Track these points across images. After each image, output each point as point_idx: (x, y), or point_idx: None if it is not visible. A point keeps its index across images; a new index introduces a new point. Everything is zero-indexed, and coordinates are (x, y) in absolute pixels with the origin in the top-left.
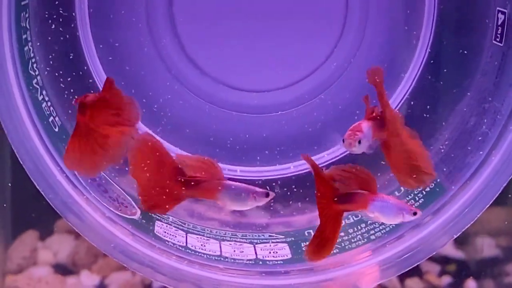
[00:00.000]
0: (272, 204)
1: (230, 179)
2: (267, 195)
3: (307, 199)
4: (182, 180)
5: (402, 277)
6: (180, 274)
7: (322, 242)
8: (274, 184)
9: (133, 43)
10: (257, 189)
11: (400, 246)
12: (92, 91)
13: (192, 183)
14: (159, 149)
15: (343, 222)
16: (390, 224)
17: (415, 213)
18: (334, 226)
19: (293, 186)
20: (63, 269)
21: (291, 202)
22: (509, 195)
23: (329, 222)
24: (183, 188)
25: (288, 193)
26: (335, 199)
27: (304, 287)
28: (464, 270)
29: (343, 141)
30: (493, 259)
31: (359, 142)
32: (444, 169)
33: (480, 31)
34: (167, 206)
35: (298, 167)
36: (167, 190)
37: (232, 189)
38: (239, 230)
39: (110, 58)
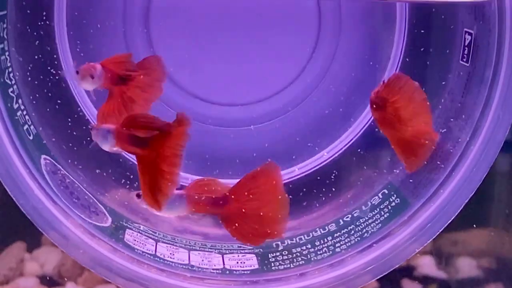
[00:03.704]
0: None
1: None
2: None
3: None
4: None
5: None
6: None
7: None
8: None
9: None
10: None
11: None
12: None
13: None
14: None
15: (311, 234)
16: (356, 238)
17: None
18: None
19: None
20: (49, 281)
21: None
22: (490, 217)
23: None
24: None
25: None
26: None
27: None
28: None
29: (77, 72)
30: (474, 280)
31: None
32: (410, 185)
33: (449, 52)
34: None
35: None
36: None
37: None
38: (208, 241)
39: None
